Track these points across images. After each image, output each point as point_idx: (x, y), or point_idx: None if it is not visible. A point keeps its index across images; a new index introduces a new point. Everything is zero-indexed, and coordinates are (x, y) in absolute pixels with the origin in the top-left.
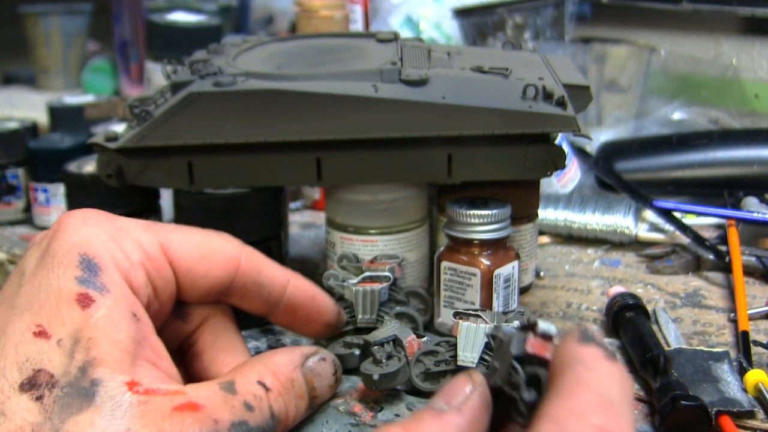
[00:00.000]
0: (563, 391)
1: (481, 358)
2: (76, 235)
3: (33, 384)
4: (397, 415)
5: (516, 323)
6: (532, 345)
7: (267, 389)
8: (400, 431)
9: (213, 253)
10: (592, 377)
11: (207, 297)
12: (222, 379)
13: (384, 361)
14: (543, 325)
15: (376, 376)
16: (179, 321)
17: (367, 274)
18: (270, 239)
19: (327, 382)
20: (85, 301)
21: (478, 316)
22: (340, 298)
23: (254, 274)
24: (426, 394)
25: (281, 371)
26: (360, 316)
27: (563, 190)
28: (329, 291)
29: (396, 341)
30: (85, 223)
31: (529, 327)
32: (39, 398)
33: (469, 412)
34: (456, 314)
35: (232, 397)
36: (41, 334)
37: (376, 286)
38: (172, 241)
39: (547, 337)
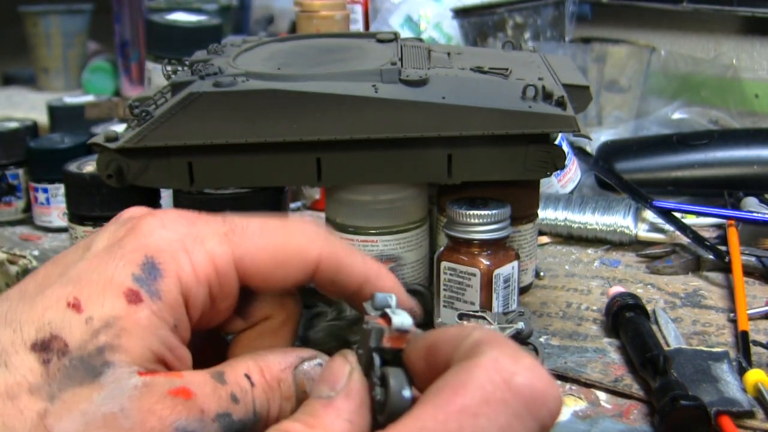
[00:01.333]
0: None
1: None
2: (150, 236)
3: (45, 347)
4: None
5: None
6: (389, 340)
7: (252, 384)
8: (300, 427)
9: (291, 257)
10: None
11: (276, 293)
12: (213, 368)
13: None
14: (397, 320)
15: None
16: (238, 318)
17: None
18: None
19: (321, 391)
20: (132, 297)
21: (483, 318)
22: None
23: (332, 272)
24: None
25: (270, 369)
26: (348, 312)
27: (563, 190)
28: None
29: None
30: (163, 226)
31: (384, 320)
32: (46, 362)
33: (356, 393)
34: (461, 316)
35: (220, 387)
36: (75, 306)
37: None
38: (248, 251)
39: (402, 331)
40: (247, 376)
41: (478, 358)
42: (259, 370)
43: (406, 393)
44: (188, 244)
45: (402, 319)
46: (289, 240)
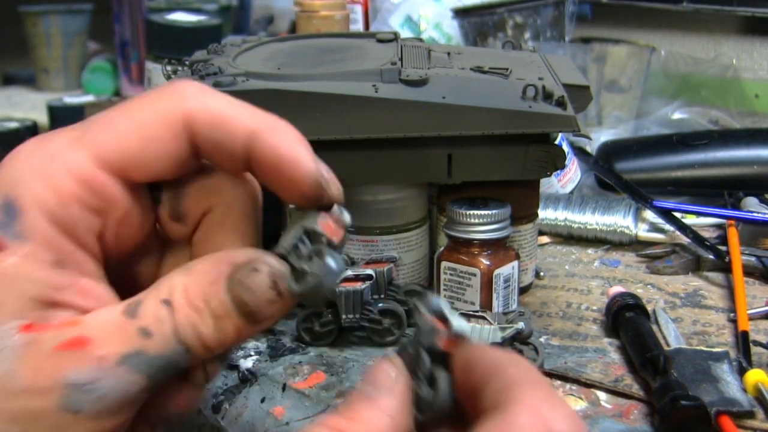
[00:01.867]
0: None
1: None
2: (7, 174)
3: None
4: None
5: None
6: (446, 342)
7: (170, 307)
8: (340, 421)
9: (155, 130)
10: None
11: (177, 174)
12: (133, 298)
13: (305, 267)
14: (457, 324)
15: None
16: (178, 224)
17: (350, 273)
18: (270, 239)
19: (263, 296)
20: None
21: (483, 318)
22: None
23: (209, 130)
24: None
25: (194, 286)
26: (344, 316)
27: (563, 190)
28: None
29: (310, 234)
30: (18, 158)
31: (441, 320)
32: None
33: (400, 393)
34: (461, 316)
35: (128, 322)
36: None
37: (359, 285)
38: (108, 144)
39: (459, 336)
40: (166, 302)
41: (516, 406)
42: (183, 290)
43: (451, 396)
44: (42, 168)
45: (461, 323)
46: (151, 112)
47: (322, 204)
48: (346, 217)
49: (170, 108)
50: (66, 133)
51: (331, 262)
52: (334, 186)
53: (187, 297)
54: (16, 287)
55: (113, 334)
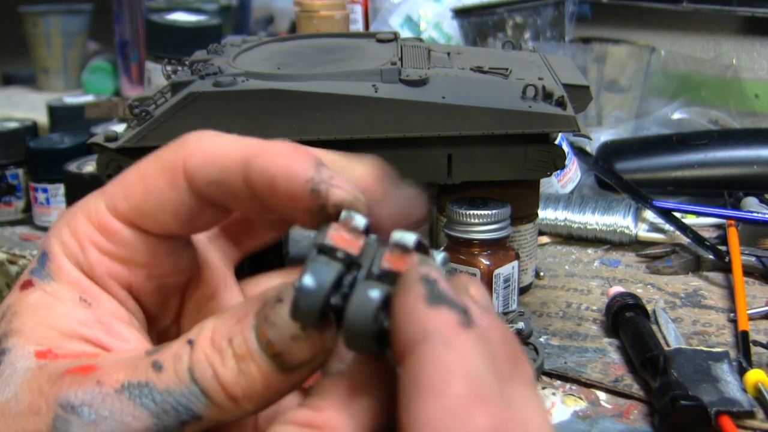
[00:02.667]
0: (423, 384)
1: None
2: (51, 230)
3: None
4: None
5: None
6: (389, 260)
7: (192, 347)
8: (306, 414)
9: (158, 178)
10: (455, 359)
11: (192, 226)
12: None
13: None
14: (397, 236)
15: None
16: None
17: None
18: None
19: (285, 331)
20: (25, 285)
21: None
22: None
23: (205, 172)
24: None
25: (221, 325)
26: None
27: (563, 190)
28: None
29: (325, 252)
30: (58, 218)
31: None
32: None
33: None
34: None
35: (145, 357)
36: None
37: None
38: (115, 196)
39: (402, 248)
40: (190, 341)
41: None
42: (211, 329)
43: (379, 321)
44: (70, 218)
45: (401, 234)
46: (153, 162)
47: (330, 214)
48: (359, 221)
49: (170, 157)
50: (96, 191)
51: (363, 291)
52: (339, 190)
53: (212, 336)
54: (37, 315)
55: (123, 365)
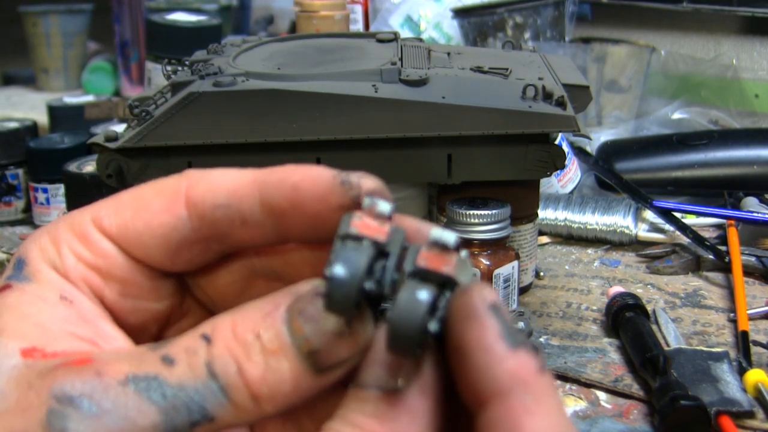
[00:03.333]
0: None
1: None
2: (25, 243)
3: None
4: None
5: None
6: (425, 258)
7: (209, 342)
8: (371, 423)
9: (148, 204)
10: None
11: (176, 259)
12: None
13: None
14: (436, 233)
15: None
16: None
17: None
18: None
19: (326, 326)
20: (3, 289)
21: None
22: None
23: (211, 199)
24: None
25: (243, 320)
26: None
27: (563, 190)
28: None
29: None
30: (38, 230)
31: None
32: None
33: (432, 386)
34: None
35: (150, 351)
36: None
37: None
38: (103, 213)
39: (442, 246)
40: (205, 337)
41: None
42: (228, 325)
43: (431, 325)
44: (50, 228)
45: (441, 232)
46: (152, 186)
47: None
48: (383, 206)
49: (172, 182)
50: (89, 206)
51: (411, 291)
52: (368, 180)
53: (233, 330)
54: (19, 313)
55: (125, 357)
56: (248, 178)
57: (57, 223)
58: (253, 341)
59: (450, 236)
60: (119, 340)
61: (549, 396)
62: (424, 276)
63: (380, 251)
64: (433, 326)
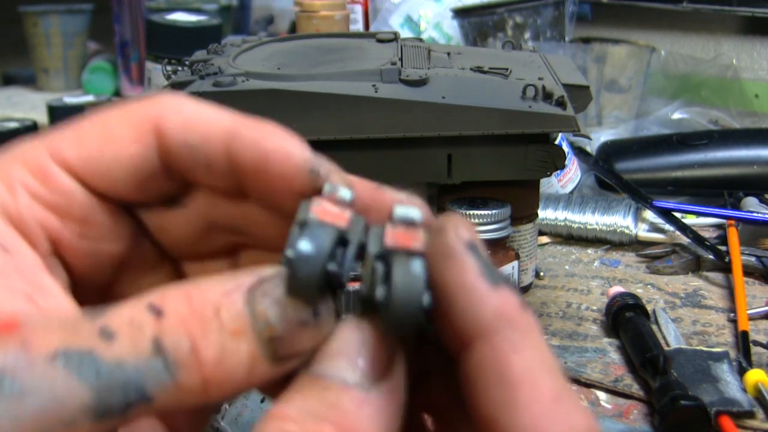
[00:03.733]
0: (513, 383)
1: None
2: None
3: None
4: None
5: None
6: (393, 237)
7: (159, 315)
8: (315, 427)
9: (115, 133)
10: (535, 351)
11: (143, 191)
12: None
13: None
14: (400, 210)
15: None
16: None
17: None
18: None
19: (293, 314)
20: None
21: None
22: None
23: (181, 134)
24: None
25: (202, 294)
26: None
27: (563, 190)
28: None
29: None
30: None
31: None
32: None
33: (399, 386)
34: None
35: (86, 320)
36: None
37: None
38: (62, 144)
39: (408, 222)
40: (153, 308)
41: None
42: (183, 297)
43: (424, 298)
44: None
45: (406, 209)
46: (118, 114)
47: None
48: (344, 192)
49: (140, 111)
50: (37, 137)
51: (404, 266)
52: (337, 174)
53: (188, 303)
54: None
55: (57, 327)
56: (224, 126)
57: (5, 158)
58: (211, 318)
59: (415, 212)
60: (58, 296)
61: (534, 332)
62: (393, 255)
63: (341, 238)
64: (426, 300)
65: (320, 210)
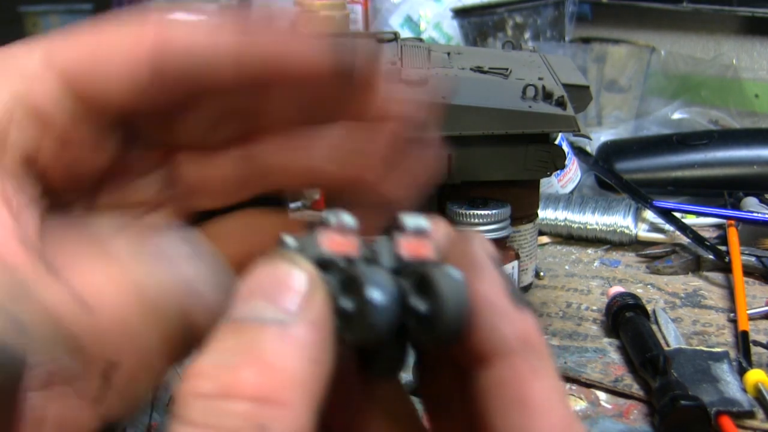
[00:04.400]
0: (532, 405)
1: None
2: None
3: None
4: None
5: None
6: (407, 248)
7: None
8: (238, 364)
9: (108, 42)
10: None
11: (127, 98)
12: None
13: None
14: (410, 221)
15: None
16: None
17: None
18: None
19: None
20: None
21: None
22: None
23: (181, 52)
24: None
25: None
26: None
27: (563, 190)
28: None
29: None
30: None
31: (394, 228)
32: None
33: (323, 319)
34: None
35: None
36: None
37: None
38: (54, 49)
39: (420, 232)
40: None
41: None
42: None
43: (464, 304)
44: None
45: (415, 219)
46: (118, 22)
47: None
48: (347, 219)
49: (140, 17)
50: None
51: (446, 276)
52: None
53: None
54: None
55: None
56: (229, 49)
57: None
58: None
59: (422, 221)
60: (5, 224)
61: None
62: (425, 266)
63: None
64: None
65: (330, 240)
